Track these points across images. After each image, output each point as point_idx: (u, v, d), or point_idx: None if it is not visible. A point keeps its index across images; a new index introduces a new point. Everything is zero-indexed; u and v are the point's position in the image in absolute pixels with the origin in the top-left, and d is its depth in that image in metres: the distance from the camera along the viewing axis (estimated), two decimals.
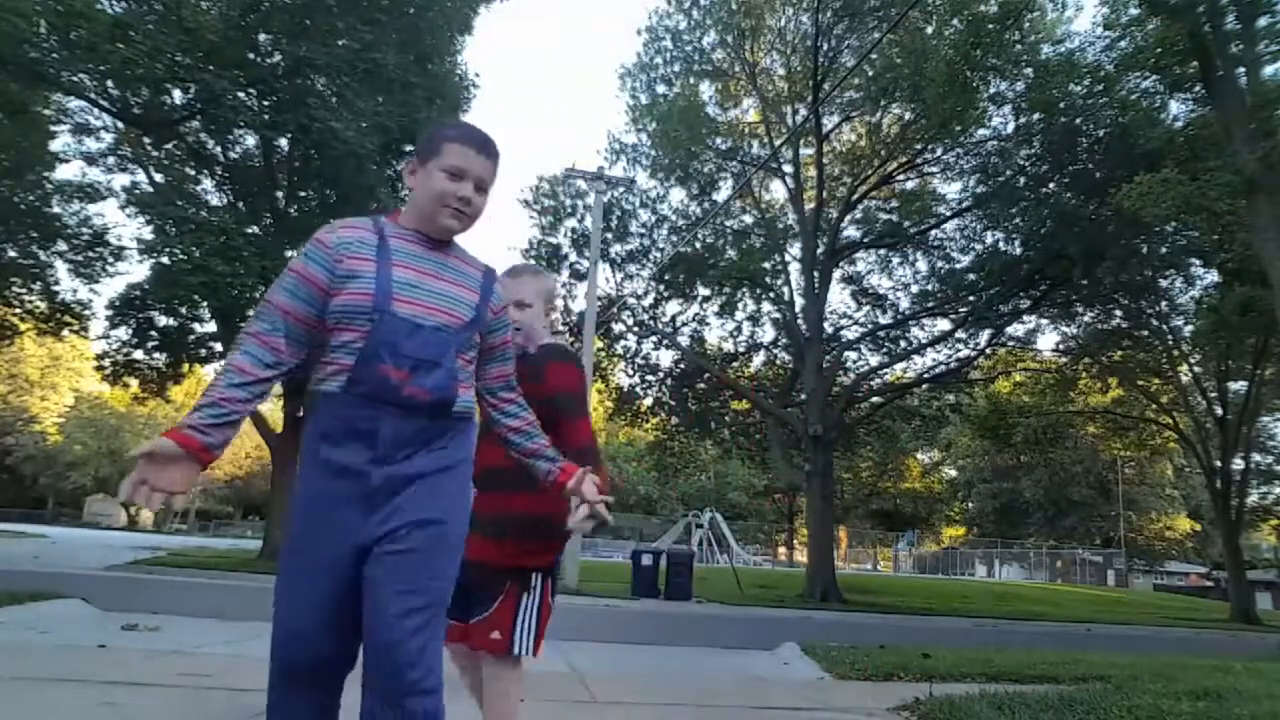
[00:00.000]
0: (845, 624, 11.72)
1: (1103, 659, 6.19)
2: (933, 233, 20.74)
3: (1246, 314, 16.45)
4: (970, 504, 52.82)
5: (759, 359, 23.56)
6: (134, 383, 17.12)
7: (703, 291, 21.15)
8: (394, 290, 1.63)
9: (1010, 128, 18.34)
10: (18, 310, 16.99)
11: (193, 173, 17.12)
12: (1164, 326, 21.67)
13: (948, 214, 20.42)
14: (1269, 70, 12.52)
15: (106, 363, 16.73)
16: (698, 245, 20.51)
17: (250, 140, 16.42)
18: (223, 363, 1.81)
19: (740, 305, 21.66)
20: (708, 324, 22.27)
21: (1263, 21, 12.19)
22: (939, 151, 19.45)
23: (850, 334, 22.14)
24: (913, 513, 52.44)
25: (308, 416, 1.71)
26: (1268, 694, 4.05)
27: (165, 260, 13.96)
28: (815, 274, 19.34)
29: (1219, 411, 21.83)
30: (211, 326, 16.81)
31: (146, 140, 16.30)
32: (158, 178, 16.20)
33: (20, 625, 4.99)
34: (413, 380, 1.60)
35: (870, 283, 22.24)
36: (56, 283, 16.97)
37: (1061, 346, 23.37)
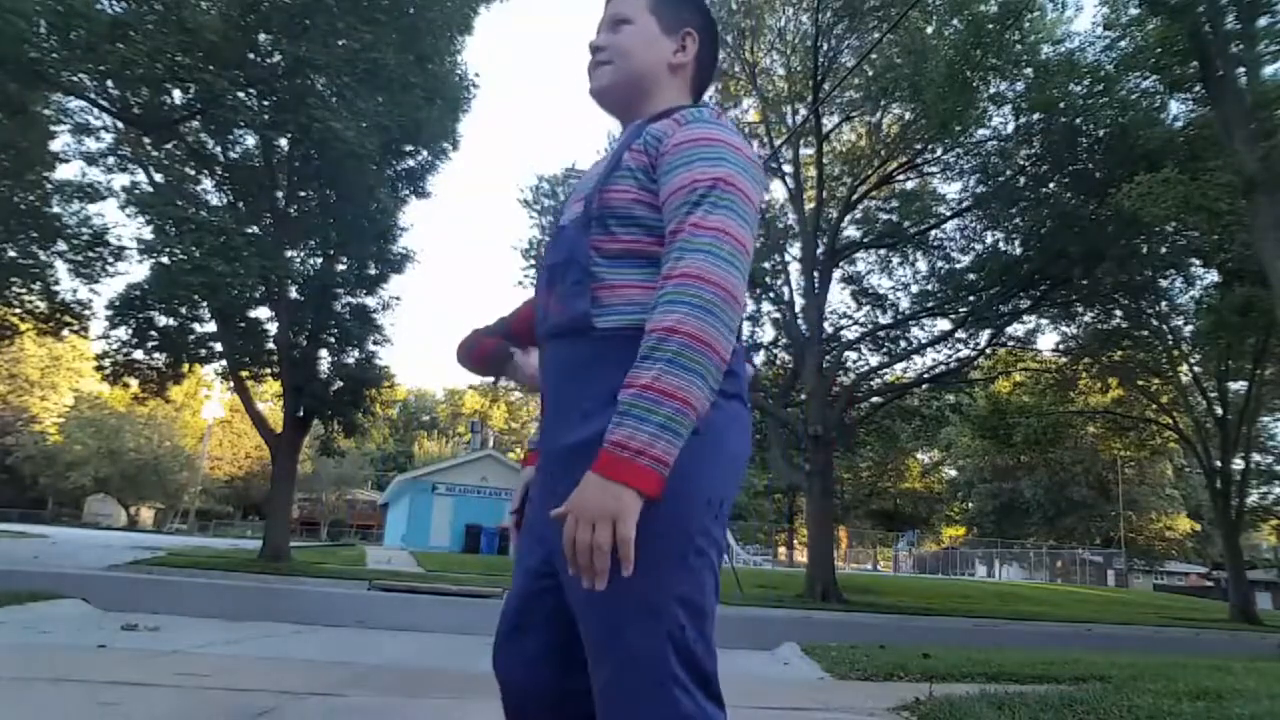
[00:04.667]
0: (845, 624, 11.72)
1: (1103, 659, 6.19)
2: (933, 233, 20.74)
3: (1246, 314, 16.46)
4: (970, 504, 52.80)
5: (759, 359, 23.55)
6: (134, 383, 17.10)
7: None
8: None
9: (1010, 128, 18.35)
10: (18, 310, 16.97)
11: (193, 173, 17.11)
12: (1164, 326, 21.68)
13: (948, 214, 20.43)
14: (1269, 70, 12.53)
15: (106, 363, 16.71)
16: None
17: (250, 140, 16.42)
18: None
19: None
20: None
21: (1263, 21, 12.20)
22: (939, 151, 19.45)
23: (850, 334, 22.15)
24: (913, 513, 52.44)
25: None
26: (1268, 694, 4.05)
27: (165, 260, 13.95)
28: (815, 274, 19.34)
29: (1219, 411, 21.83)
30: (211, 326, 16.80)
31: (146, 140, 16.29)
32: (158, 178, 16.19)
33: (20, 625, 4.99)
34: (553, 295, 1.24)
35: (870, 283, 22.25)
36: (56, 283, 16.94)
37: (1061, 346, 23.38)
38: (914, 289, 21.51)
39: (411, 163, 17.92)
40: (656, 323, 1.04)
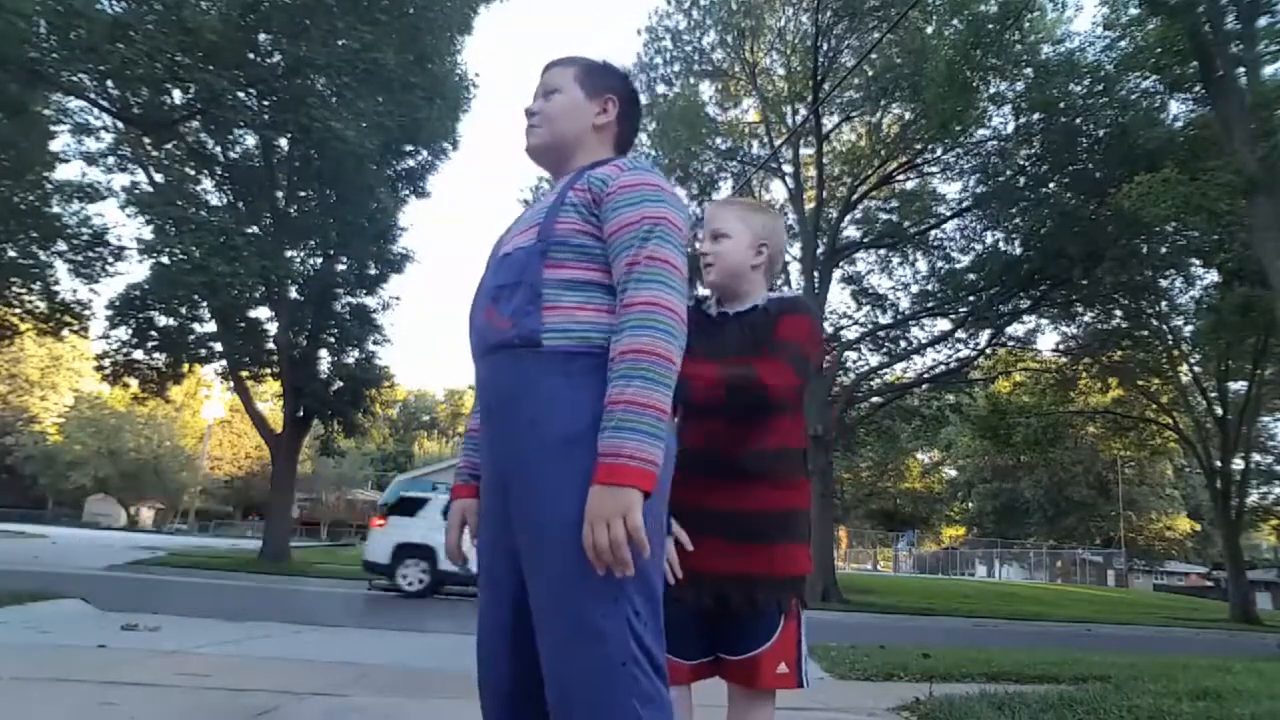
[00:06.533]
0: (845, 624, 11.71)
1: (1103, 659, 6.19)
2: (933, 233, 20.75)
3: (1246, 314, 16.45)
4: (970, 504, 52.80)
5: None
6: (134, 383, 17.12)
7: (703, 292, 21.14)
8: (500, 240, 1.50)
9: (1010, 128, 18.37)
10: (18, 310, 16.98)
11: (193, 173, 17.13)
12: (1164, 326, 21.68)
13: (948, 214, 20.44)
14: (1269, 70, 12.54)
15: (106, 363, 16.73)
16: (698, 245, 20.54)
17: (250, 140, 16.43)
18: None
19: None
20: None
21: (1263, 21, 12.20)
22: (939, 151, 19.46)
23: (850, 334, 22.14)
24: (913, 513, 52.40)
25: None
26: (1268, 694, 4.05)
27: (165, 260, 13.96)
28: (815, 274, 19.34)
29: (1219, 411, 21.83)
30: (211, 326, 16.82)
31: (146, 140, 16.30)
32: (158, 178, 16.21)
33: (20, 625, 4.98)
34: (496, 312, 1.35)
35: (870, 283, 22.26)
36: (56, 283, 16.97)
37: (1061, 346, 23.38)
38: (914, 289, 21.53)
39: (411, 163, 17.94)
40: (630, 344, 1.20)
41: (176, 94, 14.92)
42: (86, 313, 17.39)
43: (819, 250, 19.42)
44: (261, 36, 15.24)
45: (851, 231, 21.37)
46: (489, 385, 1.35)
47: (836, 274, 20.97)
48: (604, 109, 1.52)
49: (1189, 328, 21.25)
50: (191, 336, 17.14)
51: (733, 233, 1.86)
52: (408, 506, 12.33)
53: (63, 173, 17.03)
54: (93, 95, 14.95)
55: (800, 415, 1.78)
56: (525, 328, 1.30)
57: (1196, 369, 22.49)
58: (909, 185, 21.38)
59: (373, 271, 17.83)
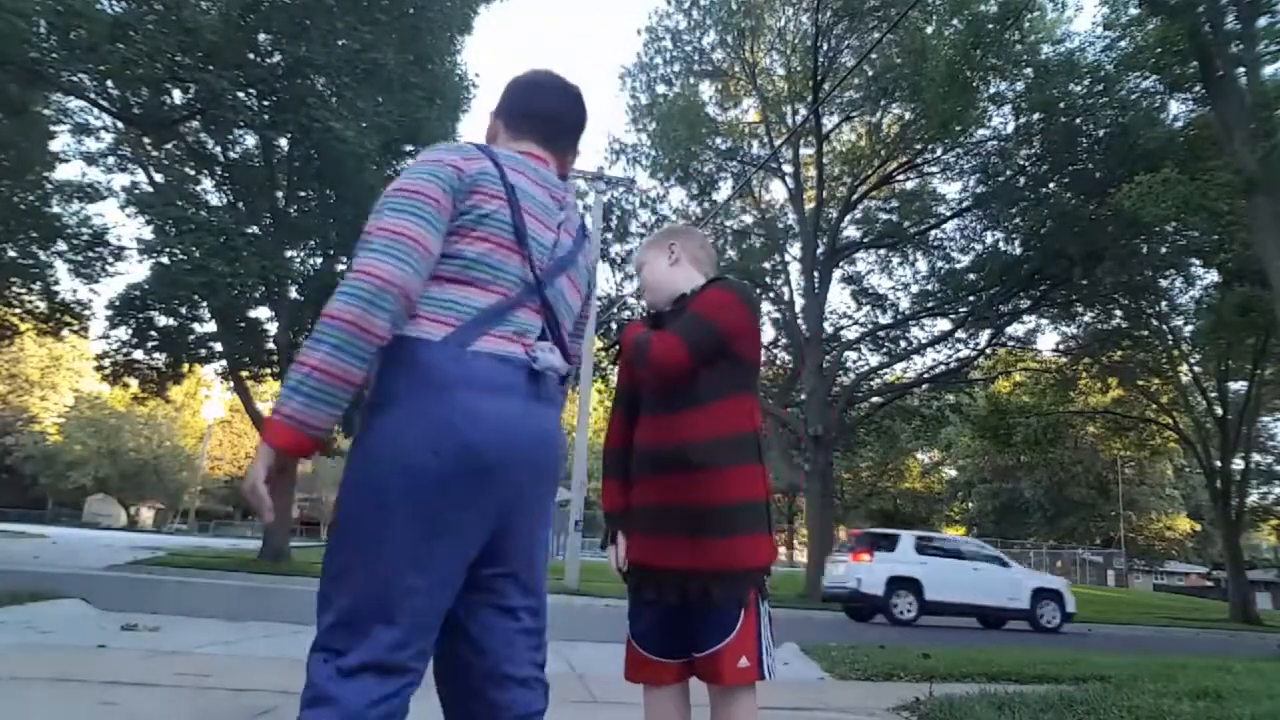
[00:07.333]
0: (845, 624, 11.72)
1: (1103, 659, 6.19)
2: (933, 233, 20.76)
3: (1246, 314, 16.47)
4: (970, 504, 52.76)
5: None
6: (134, 383, 17.13)
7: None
8: None
9: (1010, 128, 18.39)
10: (18, 310, 16.99)
11: (193, 173, 17.12)
12: (1164, 326, 21.69)
13: (948, 214, 20.45)
14: (1269, 70, 12.55)
15: (106, 363, 16.73)
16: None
17: (250, 140, 16.42)
18: None
19: None
20: None
21: (1263, 21, 12.21)
22: (939, 151, 19.47)
23: (850, 334, 22.17)
24: (913, 513, 52.31)
25: None
26: (1268, 694, 4.04)
27: (165, 260, 13.96)
28: (815, 274, 19.35)
29: (1219, 411, 21.83)
30: (211, 326, 16.81)
31: (146, 140, 16.30)
32: (158, 178, 16.20)
33: (20, 625, 4.98)
34: None
35: (870, 283, 22.29)
36: (56, 283, 16.98)
37: (1061, 346, 23.40)
38: (914, 289, 21.56)
39: (411, 163, 17.94)
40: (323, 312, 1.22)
41: (176, 94, 14.92)
42: (86, 313, 17.41)
43: (819, 250, 19.42)
44: (261, 36, 15.23)
45: (851, 231, 21.39)
46: None
47: (836, 274, 20.99)
48: (489, 125, 1.65)
49: (1189, 328, 21.28)
50: (191, 336, 17.14)
51: (647, 259, 2.00)
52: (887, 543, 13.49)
53: (63, 173, 17.07)
54: (93, 95, 14.95)
55: (748, 396, 1.79)
56: None
57: (1196, 369, 22.50)
58: (909, 185, 21.39)
59: None
